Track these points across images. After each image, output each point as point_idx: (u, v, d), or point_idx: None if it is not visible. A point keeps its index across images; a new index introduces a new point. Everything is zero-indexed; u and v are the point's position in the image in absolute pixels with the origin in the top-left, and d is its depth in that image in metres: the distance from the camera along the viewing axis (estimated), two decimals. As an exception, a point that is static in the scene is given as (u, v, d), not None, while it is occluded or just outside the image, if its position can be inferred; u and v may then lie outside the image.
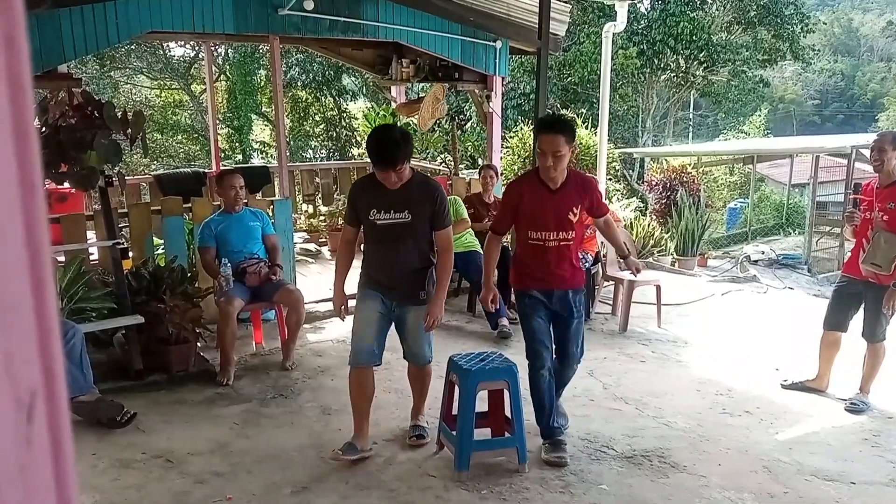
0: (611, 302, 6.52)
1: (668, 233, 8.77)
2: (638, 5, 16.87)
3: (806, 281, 8.77)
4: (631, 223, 8.51)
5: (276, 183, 8.33)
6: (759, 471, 3.69)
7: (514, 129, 10.10)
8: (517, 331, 5.79)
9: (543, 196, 3.67)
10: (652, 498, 3.42)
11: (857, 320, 4.54)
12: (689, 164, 10.93)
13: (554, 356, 3.86)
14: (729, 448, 3.93)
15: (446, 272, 3.71)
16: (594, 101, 13.58)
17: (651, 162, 13.19)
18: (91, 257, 5.46)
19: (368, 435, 3.78)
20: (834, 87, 46.85)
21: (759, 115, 26.50)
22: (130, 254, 5.24)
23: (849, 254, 4.78)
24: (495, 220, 4.04)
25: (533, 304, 3.79)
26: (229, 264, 4.80)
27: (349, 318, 3.85)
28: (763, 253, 9.66)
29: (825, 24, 38.69)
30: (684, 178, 9.53)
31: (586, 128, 9.69)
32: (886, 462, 3.82)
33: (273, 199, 6.75)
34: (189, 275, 5.01)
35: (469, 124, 15.10)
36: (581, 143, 9.19)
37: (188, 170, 9.40)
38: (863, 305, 4.47)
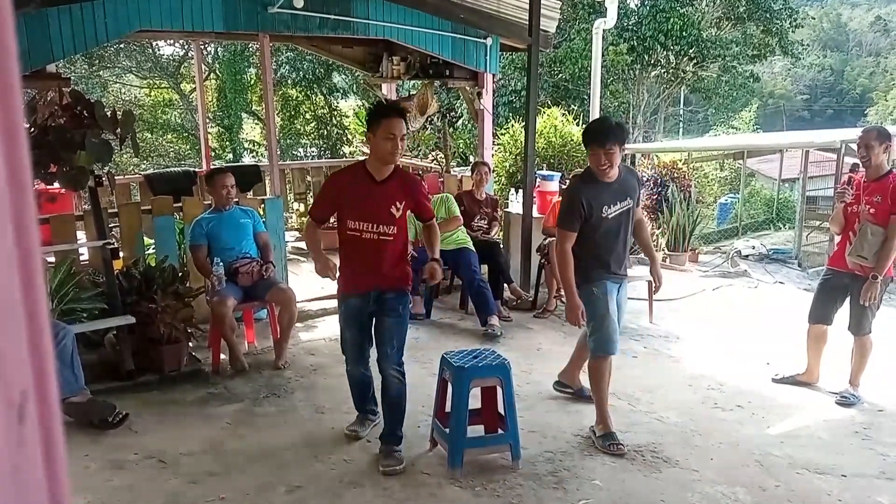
0: (603, 298, 6.53)
1: (658, 228, 8.79)
2: (628, 1, 16.91)
3: (796, 275, 8.80)
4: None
5: (266, 181, 8.31)
6: (751, 464, 3.71)
7: (505, 126, 10.09)
8: (508, 328, 5.82)
9: (368, 186, 3.55)
10: (645, 492, 3.43)
11: (844, 314, 4.57)
12: (680, 160, 10.94)
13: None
14: (721, 442, 3.95)
15: (649, 238, 4.29)
16: (585, 97, 13.59)
17: (642, 158, 13.21)
18: (81, 258, 5.43)
19: None
20: (823, 82, 47.07)
21: (749, 111, 26.58)
22: (121, 254, 5.21)
23: (837, 247, 4.81)
24: (313, 205, 3.87)
25: (349, 314, 3.71)
26: (222, 264, 4.79)
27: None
28: (753, 248, 9.68)
29: (814, 19, 38.82)
30: (675, 174, 9.54)
31: (577, 124, 9.68)
32: (877, 455, 3.85)
33: (264, 197, 6.74)
34: (180, 274, 4.99)
35: (460, 121, 15.09)
36: (572, 140, 9.20)
37: (178, 169, 9.37)
38: (848, 299, 4.50)
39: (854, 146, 4.51)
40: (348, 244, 3.61)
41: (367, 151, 3.71)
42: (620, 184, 3.82)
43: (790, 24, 19.29)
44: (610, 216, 3.80)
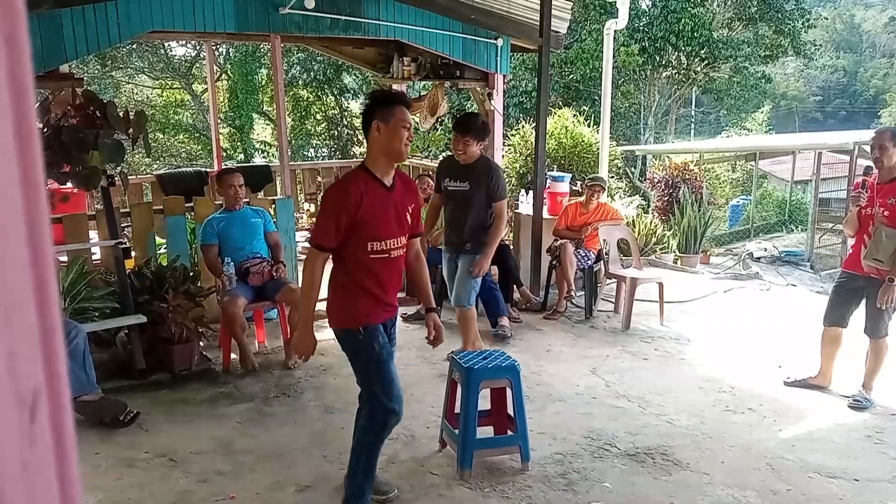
0: (613, 300, 6.52)
1: (670, 230, 8.76)
2: (639, 2, 16.84)
3: (809, 278, 8.75)
4: (633, 221, 8.51)
5: (277, 182, 8.34)
6: (763, 468, 3.69)
7: (515, 128, 10.08)
8: (518, 330, 5.81)
9: (384, 195, 2.95)
10: (655, 495, 3.41)
11: (859, 317, 4.53)
12: (692, 162, 10.90)
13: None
14: (732, 445, 3.93)
15: (495, 229, 4.80)
16: (596, 98, 13.56)
17: (653, 159, 13.18)
18: (93, 257, 5.46)
19: None
20: (836, 84, 46.73)
21: (762, 112, 26.43)
22: (133, 253, 5.24)
23: (850, 250, 4.77)
24: (318, 233, 3.02)
25: (384, 344, 3.07)
26: (232, 263, 4.81)
27: None
28: (766, 250, 9.64)
29: (826, 19, 38.58)
30: (686, 176, 9.51)
31: (588, 125, 9.67)
32: (890, 459, 3.82)
33: (275, 197, 6.76)
34: (191, 274, 5.01)
35: (471, 122, 15.05)
36: (583, 141, 9.18)
37: (190, 169, 9.41)
38: (864, 301, 4.46)
39: (867, 148, 4.47)
40: (370, 268, 2.97)
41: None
42: (470, 169, 4.74)
43: (802, 24, 19.18)
44: (449, 188, 4.86)
